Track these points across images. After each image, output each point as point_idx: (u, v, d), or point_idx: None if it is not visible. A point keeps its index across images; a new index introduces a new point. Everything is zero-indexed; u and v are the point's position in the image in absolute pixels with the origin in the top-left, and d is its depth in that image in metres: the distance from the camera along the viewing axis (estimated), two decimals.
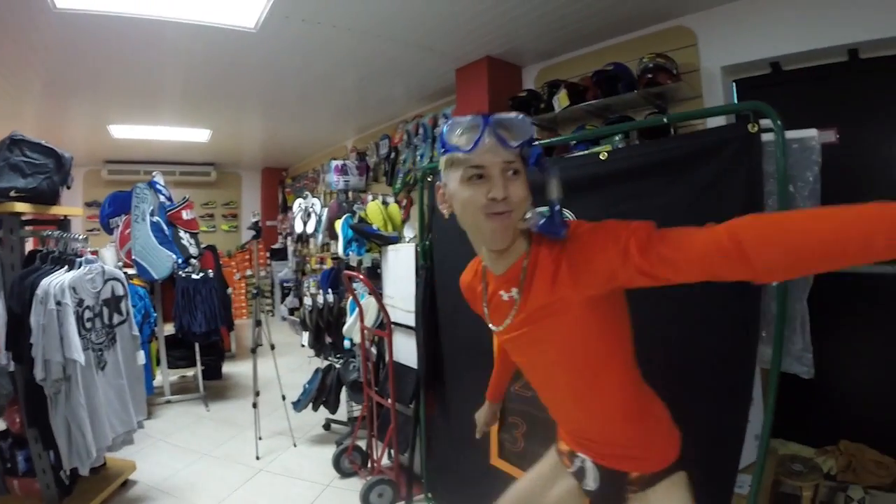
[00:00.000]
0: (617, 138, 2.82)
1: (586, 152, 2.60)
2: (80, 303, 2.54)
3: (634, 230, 0.97)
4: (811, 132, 1.70)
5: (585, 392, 1.22)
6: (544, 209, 1.11)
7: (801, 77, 3.14)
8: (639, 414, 1.24)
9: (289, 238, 8.54)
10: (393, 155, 5.56)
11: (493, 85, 4.04)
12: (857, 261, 0.76)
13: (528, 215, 1.11)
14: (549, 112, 3.64)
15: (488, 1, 3.20)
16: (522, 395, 2.21)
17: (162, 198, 4.59)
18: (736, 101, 3.34)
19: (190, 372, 5.07)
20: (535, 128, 0.84)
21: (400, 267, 3.07)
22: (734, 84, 3.37)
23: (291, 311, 8.12)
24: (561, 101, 3.50)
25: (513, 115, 1.08)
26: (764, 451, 1.65)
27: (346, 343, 3.79)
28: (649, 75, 3.13)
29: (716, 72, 3.25)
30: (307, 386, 3.87)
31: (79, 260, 2.67)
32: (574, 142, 3.04)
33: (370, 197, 3.99)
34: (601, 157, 1.99)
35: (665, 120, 2.04)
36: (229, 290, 5.49)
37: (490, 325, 1.28)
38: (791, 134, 1.66)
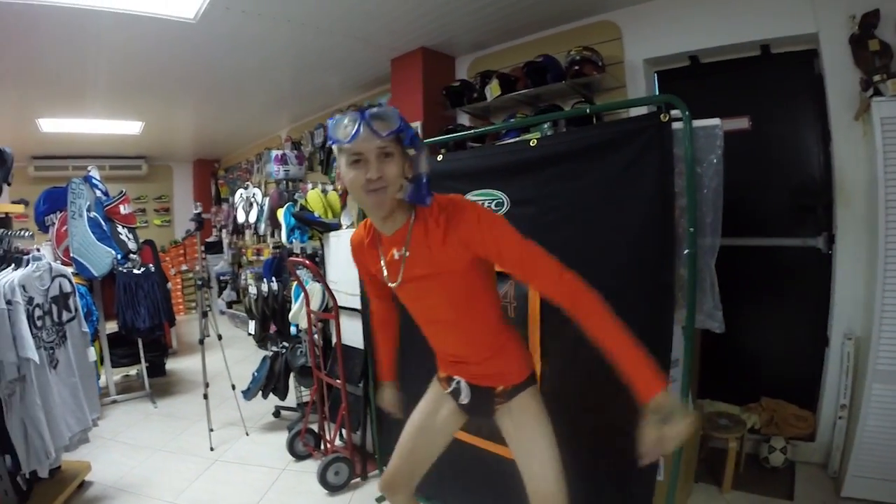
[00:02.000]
0: (546, 126, 3.01)
1: (518, 139, 2.78)
2: (29, 301, 2.51)
3: (506, 242, 1.33)
4: (715, 121, 1.92)
5: (465, 325, 1.53)
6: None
7: (718, 69, 3.43)
8: (501, 341, 1.58)
9: (224, 230, 8.38)
10: (328, 144, 5.60)
11: (427, 75, 4.17)
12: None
13: (404, 186, 1.36)
14: (482, 101, 3.83)
15: None
16: None
17: (98, 192, 4.47)
18: (657, 91, 3.61)
19: (133, 370, 4.99)
20: (399, 115, 1.34)
21: (342, 252, 3.16)
22: (656, 75, 3.64)
23: (230, 305, 8.01)
24: (493, 90, 3.68)
25: (384, 108, 1.31)
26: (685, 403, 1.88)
27: (293, 329, 3.85)
28: (576, 67, 3.35)
29: (638, 64, 3.51)
30: (256, 374, 3.90)
31: (26, 257, 2.62)
32: (505, 130, 3.23)
33: (310, 185, 4.04)
34: (531, 143, 2.18)
35: (588, 111, 2.24)
36: (168, 285, 5.42)
37: (387, 282, 1.51)
38: (698, 123, 1.87)
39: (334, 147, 1.36)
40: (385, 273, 1.51)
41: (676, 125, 1.85)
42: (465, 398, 1.63)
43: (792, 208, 3.17)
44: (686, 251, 1.85)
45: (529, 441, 1.55)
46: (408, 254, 1.43)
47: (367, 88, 5.18)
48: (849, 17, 2.82)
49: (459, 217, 1.35)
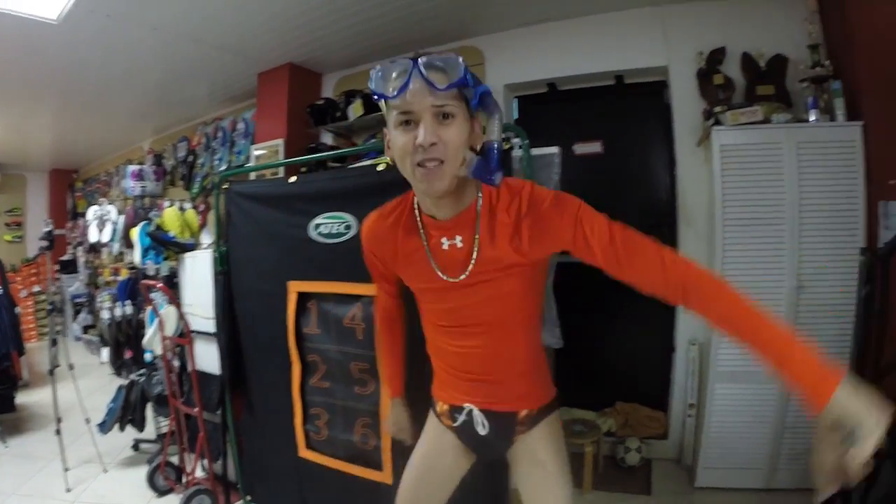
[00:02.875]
0: None
1: (374, 162, 2.81)
2: None
3: (597, 230, 1.07)
4: (553, 149, 2.05)
5: (504, 338, 1.27)
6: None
7: (574, 96, 3.68)
8: (536, 358, 1.35)
9: (79, 248, 7.71)
10: (191, 158, 5.36)
11: (293, 91, 4.14)
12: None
13: (467, 159, 1.08)
14: (345, 120, 3.83)
15: (293, 9, 3.31)
16: (320, 387, 2.37)
17: None
18: (516, 115, 3.80)
19: None
20: (463, 64, 0.98)
21: (198, 274, 3.03)
22: (516, 100, 3.81)
23: (86, 329, 7.35)
24: (355, 110, 3.71)
25: (444, 55, 1.03)
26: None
27: (148, 356, 3.62)
28: None
29: (500, 89, 3.68)
30: (111, 405, 3.62)
31: None
32: (366, 151, 3.26)
33: (167, 203, 3.84)
34: (378, 168, 2.19)
35: None
36: (17, 310, 4.91)
37: (441, 276, 1.21)
38: (536, 150, 1.99)
39: (381, 103, 1.09)
40: (435, 266, 1.21)
41: (517, 153, 1.94)
42: (482, 429, 1.34)
43: (640, 227, 3.42)
44: None
45: (548, 481, 1.34)
46: (477, 244, 1.16)
47: (234, 102, 5.02)
48: (697, 53, 3.17)
49: (552, 211, 1.10)
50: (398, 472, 1.64)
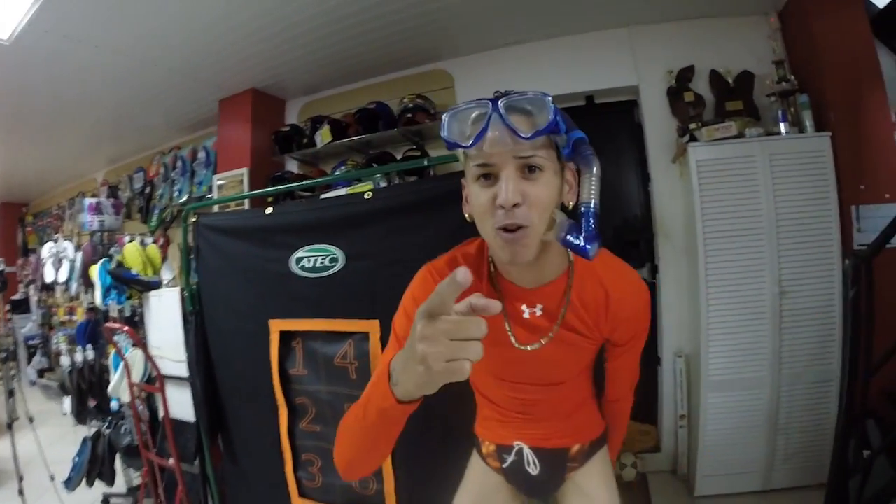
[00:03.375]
0: (378, 177, 2.98)
1: (351, 189, 2.73)
2: None
3: (630, 361, 1.22)
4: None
5: (565, 389, 1.22)
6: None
7: None
8: (589, 395, 1.32)
9: (31, 286, 7.31)
10: (148, 189, 5.15)
11: (256, 118, 4.00)
12: None
13: (558, 221, 0.92)
14: (312, 147, 3.74)
15: (255, 34, 3.21)
16: (311, 431, 2.24)
17: None
18: None
19: None
20: (553, 106, 0.85)
21: (165, 313, 2.87)
22: None
23: (41, 373, 6.94)
24: (323, 136, 3.61)
25: (530, 95, 0.89)
26: None
27: (114, 404, 3.40)
28: (409, 115, 3.41)
29: None
30: (77, 459, 3.38)
31: None
32: (337, 181, 3.18)
33: (127, 238, 3.65)
34: (366, 196, 2.11)
35: (426, 163, 2.23)
36: None
37: (516, 345, 1.10)
38: None
39: (458, 152, 0.93)
40: (511, 335, 1.09)
41: None
42: (533, 469, 1.26)
43: (616, 244, 3.45)
44: None
45: None
46: (562, 320, 1.06)
47: (194, 129, 4.83)
48: (667, 72, 3.26)
49: (630, 301, 1.07)
50: None
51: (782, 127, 2.84)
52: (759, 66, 3.12)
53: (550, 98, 0.89)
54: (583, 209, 0.91)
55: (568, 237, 0.90)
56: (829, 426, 2.62)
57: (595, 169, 0.93)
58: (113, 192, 5.64)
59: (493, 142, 0.85)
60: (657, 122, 3.30)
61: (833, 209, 2.76)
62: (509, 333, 1.09)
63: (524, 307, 1.07)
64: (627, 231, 3.46)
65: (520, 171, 0.88)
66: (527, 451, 1.26)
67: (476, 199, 0.91)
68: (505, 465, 1.30)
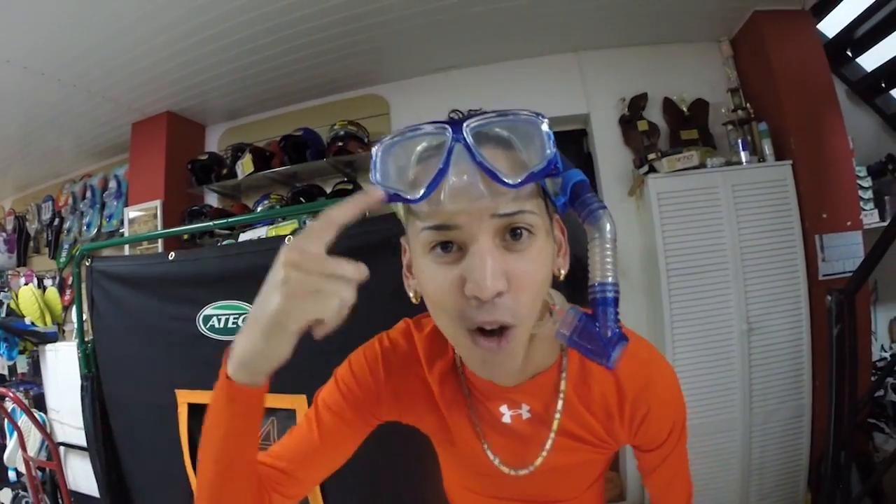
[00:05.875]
0: (305, 217, 2.67)
1: (269, 230, 2.42)
2: None
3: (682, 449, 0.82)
4: None
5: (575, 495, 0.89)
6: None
7: None
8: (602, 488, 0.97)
9: None
10: (57, 221, 4.63)
11: (171, 143, 3.60)
12: None
13: (556, 308, 0.63)
14: (233, 178, 3.37)
15: (171, 49, 2.90)
16: None
17: None
18: None
19: None
20: (550, 132, 0.54)
21: (63, 371, 2.49)
22: None
23: None
24: (245, 166, 3.25)
25: (512, 113, 0.57)
26: None
27: (11, 474, 2.95)
28: (340, 143, 3.12)
29: None
30: None
31: None
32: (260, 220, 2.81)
33: (23, 280, 3.19)
34: (287, 241, 1.80)
35: None
36: None
37: (499, 468, 0.78)
38: None
39: (398, 207, 0.62)
40: (488, 451, 0.78)
41: None
42: None
43: (565, 284, 3.24)
44: None
45: None
46: (558, 424, 0.74)
47: (105, 156, 4.34)
48: (619, 100, 3.12)
49: (657, 394, 0.74)
50: None
51: (743, 156, 2.74)
52: (713, 93, 3.07)
53: (547, 120, 0.58)
54: (597, 296, 0.61)
55: (578, 338, 0.60)
56: (803, 461, 2.60)
57: (609, 229, 0.62)
58: (21, 222, 5.07)
59: (457, 192, 0.53)
60: (609, 153, 3.16)
61: (797, 239, 2.69)
62: (484, 447, 0.78)
63: (504, 408, 0.75)
64: (577, 269, 3.26)
65: (499, 238, 0.56)
66: None
67: (430, 280, 0.58)
68: None
